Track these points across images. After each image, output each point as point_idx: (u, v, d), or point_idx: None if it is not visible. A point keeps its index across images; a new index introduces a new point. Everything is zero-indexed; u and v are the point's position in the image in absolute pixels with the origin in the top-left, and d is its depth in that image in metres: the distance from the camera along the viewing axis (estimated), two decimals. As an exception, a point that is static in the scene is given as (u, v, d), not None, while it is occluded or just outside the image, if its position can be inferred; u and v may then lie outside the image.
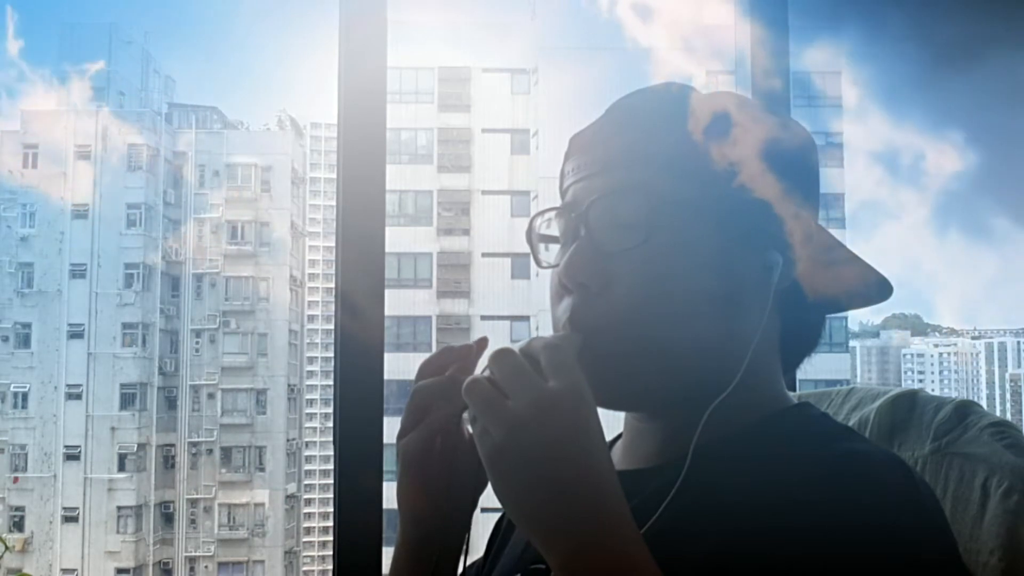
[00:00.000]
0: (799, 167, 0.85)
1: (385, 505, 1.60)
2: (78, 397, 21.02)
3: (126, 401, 21.23)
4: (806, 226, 0.83)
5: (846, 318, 19.38)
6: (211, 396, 22.08)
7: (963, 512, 0.86)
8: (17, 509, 20.77)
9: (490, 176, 21.25)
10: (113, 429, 21.02)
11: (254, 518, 21.95)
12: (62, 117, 21.76)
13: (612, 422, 0.85)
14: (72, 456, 20.90)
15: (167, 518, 21.61)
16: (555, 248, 0.87)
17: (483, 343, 0.82)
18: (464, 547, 0.84)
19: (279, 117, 24.12)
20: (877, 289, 0.88)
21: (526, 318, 20.22)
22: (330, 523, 2.15)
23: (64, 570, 20.48)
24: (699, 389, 0.79)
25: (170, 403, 21.86)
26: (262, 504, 21.92)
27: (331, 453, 1.76)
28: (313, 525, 23.30)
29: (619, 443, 0.89)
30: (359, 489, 1.69)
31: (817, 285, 0.84)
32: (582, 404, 0.69)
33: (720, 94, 0.86)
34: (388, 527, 1.40)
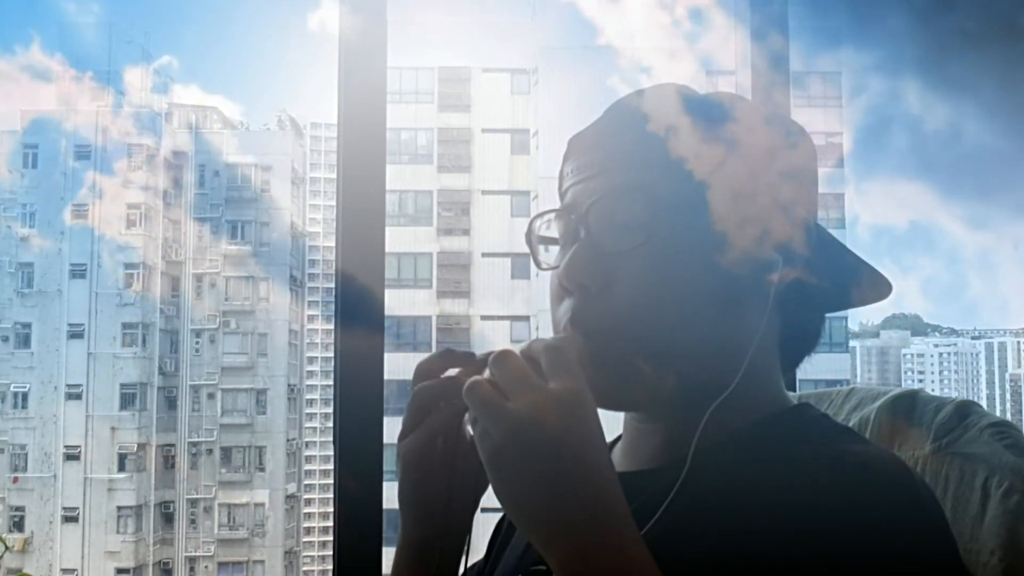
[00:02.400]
0: (798, 167, 0.85)
1: (385, 505, 1.60)
2: (78, 397, 21.03)
3: (126, 401, 21.23)
4: (805, 226, 0.83)
5: (846, 318, 19.40)
6: (211, 396, 22.09)
7: (963, 512, 0.86)
8: (17, 509, 20.77)
9: (490, 176, 21.25)
10: (113, 429, 21.02)
11: (254, 518, 21.96)
12: (62, 117, 21.76)
13: (612, 422, 0.85)
14: (72, 456, 20.90)
15: (167, 518, 21.62)
16: (555, 250, 0.87)
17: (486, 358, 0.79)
18: (465, 548, 0.84)
19: (279, 117, 24.15)
20: (876, 288, 0.88)
21: (526, 318, 20.22)
22: (330, 523, 2.15)
23: (64, 570, 20.49)
24: (699, 390, 0.79)
25: (170, 403, 21.87)
26: (262, 504, 21.93)
27: (331, 453, 1.76)
28: (313, 525, 23.31)
29: (619, 444, 0.89)
30: (359, 489, 1.69)
31: (816, 285, 0.84)
32: (583, 405, 0.69)
33: (719, 95, 0.86)
34: (388, 527, 1.40)
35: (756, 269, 0.81)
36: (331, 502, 1.76)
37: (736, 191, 0.80)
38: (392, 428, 0.94)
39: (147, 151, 21.79)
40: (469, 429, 0.76)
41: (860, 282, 0.88)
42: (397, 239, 19.42)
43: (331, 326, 1.85)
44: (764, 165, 0.82)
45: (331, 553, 1.76)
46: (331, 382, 1.78)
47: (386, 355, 1.75)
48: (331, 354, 1.81)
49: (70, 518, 20.66)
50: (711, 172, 0.80)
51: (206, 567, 21.60)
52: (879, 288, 0.88)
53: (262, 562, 21.85)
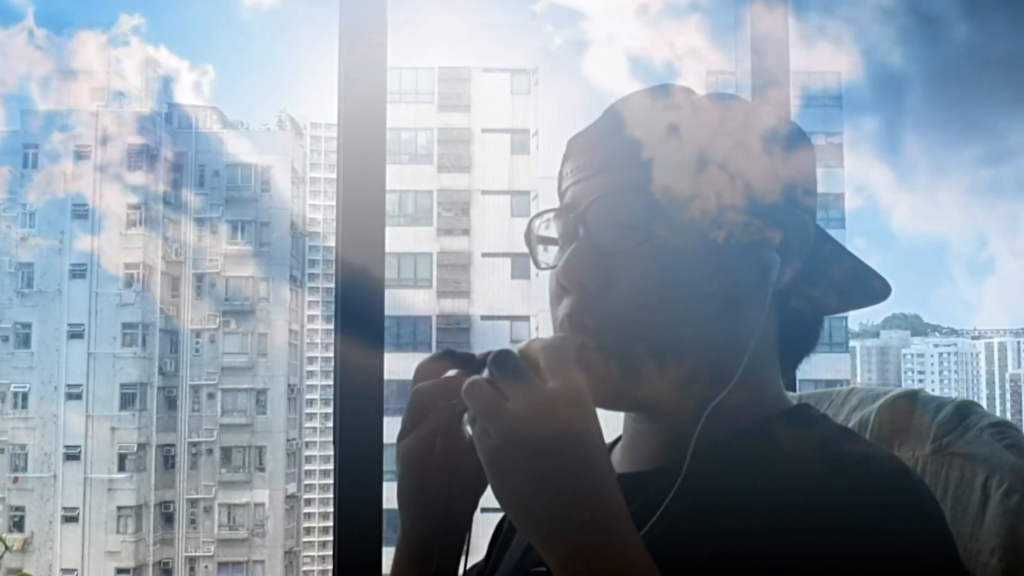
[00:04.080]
0: (796, 168, 0.85)
1: (385, 505, 1.60)
2: (78, 397, 21.03)
3: (126, 401, 21.24)
4: (803, 226, 0.83)
5: (846, 318, 19.42)
6: (211, 396, 22.10)
7: (963, 512, 0.86)
8: (17, 509, 20.78)
9: (490, 176, 21.26)
10: (113, 429, 21.03)
11: (254, 518, 21.96)
12: (62, 117, 21.76)
13: (612, 423, 0.85)
14: (72, 456, 20.91)
15: (167, 518, 21.63)
16: (554, 249, 0.87)
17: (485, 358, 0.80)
18: (465, 548, 0.84)
19: (279, 117, 24.18)
20: (875, 290, 0.88)
21: (526, 318, 20.23)
22: (330, 523, 2.15)
23: (64, 570, 20.49)
24: (698, 390, 0.79)
25: (170, 403, 21.87)
26: (262, 504, 21.94)
27: (331, 453, 1.76)
28: (313, 525, 23.32)
29: (619, 445, 0.89)
30: (359, 489, 1.69)
31: (815, 286, 0.84)
32: (581, 405, 0.69)
33: (718, 95, 0.86)
34: (388, 527, 1.40)
35: (755, 269, 0.81)
36: (331, 502, 1.76)
37: (734, 191, 0.80)
38: (392, 428, 0.94)
39: (148, 151, 21.79)
40: (468, 429, 0.76)
41: (859, 284, 0.89)
42: (397, 239, 19.43)
43: (331, 326, 1.85)
44: (762, 166, 0.82)
45: (331, 553, 1.76)
46: (331, 382, 1.78)
47: (386, 355, 1.74)
48: (331, 354, 1.81)
49: (70, 518, 20.67)
50: (709, 172, 0.80)
51: (206, 567, 21.60)
52: (878, 290, 0.88)
53: (262, 562, 21.86)
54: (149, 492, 21.20)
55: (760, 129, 0.84)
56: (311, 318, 24.06)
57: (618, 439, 0.89)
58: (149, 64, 22.63)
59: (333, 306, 1.76)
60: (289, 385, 22.62)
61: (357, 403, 1.70)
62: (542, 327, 17.62)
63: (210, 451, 21.93)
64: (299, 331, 23.55)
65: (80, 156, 21.51)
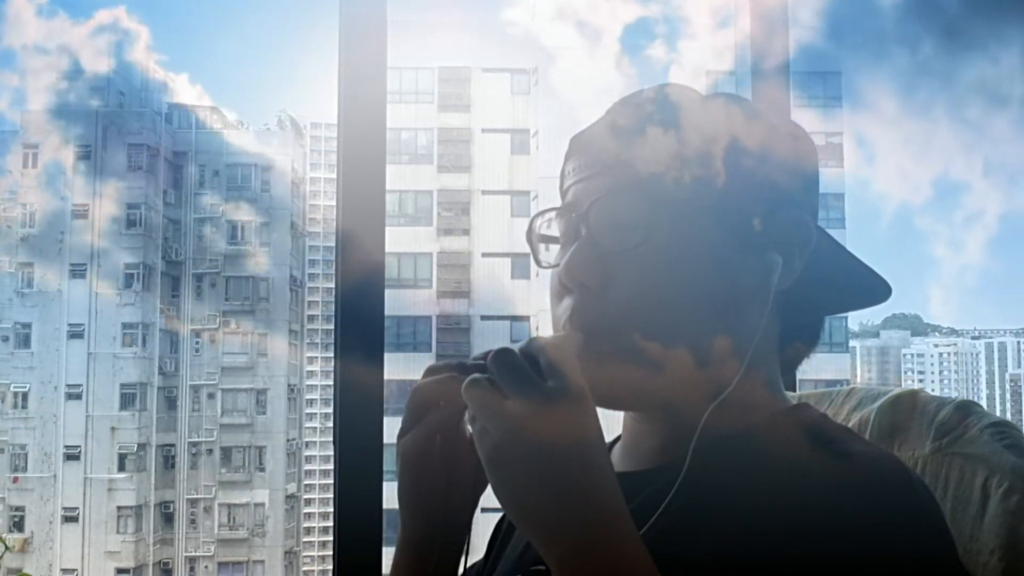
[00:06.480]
0: (797, 168, 0.85)
1: (385, 505, 1.60)
2: (78, 397, 21.02)
3: (126, 401, 21.23)
4: (804, 227, 0.83)
5: (846, 318, 19.42)
6: (211, 396, 22.09)
7: (963, 512, 0.86)
8: (17, 509, 20.77)
9: (490, 176, 21.25)
10: (113, 429, 21.02)
11: (254, 518, 21.96)
12: (62, 117, 21.76)
13: (612, 422, 0.85)
14: (72, 456, 20.90)
15: (167, 518, 21.62)
16: (555, 248, 0.87)
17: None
18: (465, 547, 0.84)
19: (279, 117, 24.17)
20: (875, 291, 0.89)
21: (526, 318, 20.22)
22: (330, 523, 2.15)
23: (64, 570, 20.49)
24: (698, 389, 0.79)
25: (170, 403, 21.86)
26: (262, 504, 21.93)
27: (331, 453, 1.76)
28: (313, 525, 23.31)
29: (618, 444, 0.89)
30: (359, 489, 1.69)
31: (815, 286, 0.84)
32: (581, 404, 0.69)
33: (719, 95, 0.86)
34: (388, 527, 1.40)
35: (756, 270, 0.81)
36: (331, 502, 1.76)
37: (735, 191, 0.80)
38: (392, 428, 0.94)
39: (147, 151, 21.79)
40: (468, 427, 0.76)
41: (859, 285, 0.89)
42: (397, 239, 19.41)
43: (331, 326, 1.85)
44: (763, 166, 0.82)
45: (331, 553, 1.76)
46: (331, 382, 1.78)
47: (386, 355, 1.75)
48: (331, 354, 1.81)
49: (70, 518, 20.66)
50: (711, 172, 0.80)
51: (206, 567, 21.60)
52: (878, 291, 0.88)
53: (262, 562, 21.85)
54: (149, 492, 21.20)
55: (761, 128, 0.84)
56: (311, 318, 24.05)
57: (617, 438, 0.90)
58: (149, 63, 22.61)
59: (333, 306, 1.76)
60: (289, 385, 22.62)
61: (357, 403, 1.70)
62: (542, 327, 17.62)
63: (210, 451, 21.92)
64: (299, 332, 23.54)
65: (80, 156, 21.50)
